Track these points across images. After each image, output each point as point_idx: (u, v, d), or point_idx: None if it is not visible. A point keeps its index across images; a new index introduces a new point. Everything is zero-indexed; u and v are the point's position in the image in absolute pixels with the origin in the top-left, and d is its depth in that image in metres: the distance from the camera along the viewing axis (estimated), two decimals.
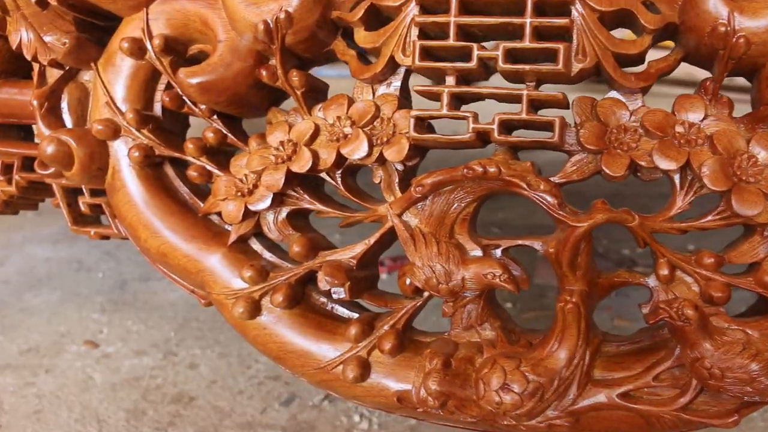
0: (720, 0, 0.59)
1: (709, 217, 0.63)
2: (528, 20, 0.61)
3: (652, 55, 0.65)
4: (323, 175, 0.72)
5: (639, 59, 0.64)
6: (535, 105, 0.64)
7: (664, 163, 0.62)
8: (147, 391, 1.15)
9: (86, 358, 1.26)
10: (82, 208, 0.84)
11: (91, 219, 0.86)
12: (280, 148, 0.70)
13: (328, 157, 0.69)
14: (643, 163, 0.63)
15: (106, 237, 0.84)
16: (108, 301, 1.50)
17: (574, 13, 0.62)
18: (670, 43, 0.66)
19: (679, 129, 0.62)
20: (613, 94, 0.65)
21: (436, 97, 0.65)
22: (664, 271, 0.64)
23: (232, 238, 0.74)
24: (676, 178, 0.64)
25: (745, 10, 0.59)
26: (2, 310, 1.45)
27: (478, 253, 0.67)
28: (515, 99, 0.63)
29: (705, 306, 0.63)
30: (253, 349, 1.26)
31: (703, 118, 0.62)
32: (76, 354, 1.28)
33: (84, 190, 0.83)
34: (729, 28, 0.58)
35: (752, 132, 0.62)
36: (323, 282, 0.70)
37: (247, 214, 0.72)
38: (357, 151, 0.67)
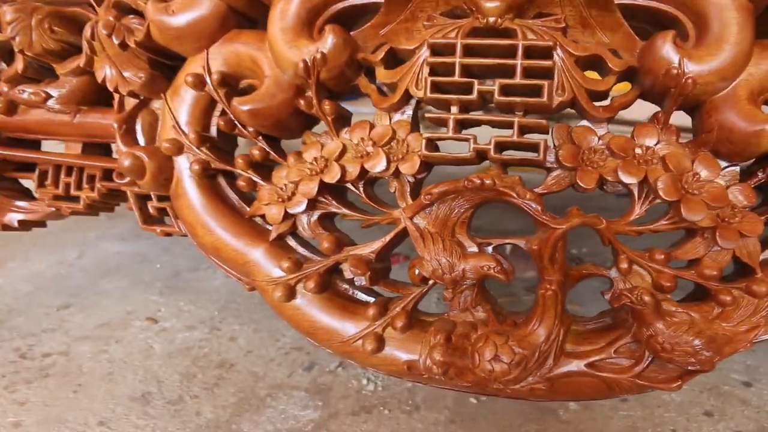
0: (672, 49, 0.57)
1: (661, 222, 0.62)
2: (519, 61, 0.59)
3: None
4: (348, 185, 0.69)
5: (605, 95, 0.63)
6: (523, 130, 0.62)
7: (627, 178, 0.60)
8: (196, 359, 1.12)
9: (148, 331, 1.23)
10: (151, 210, 0.81)
11: (158, 219, 0.83)
12: (314, 162, 0.67)
13: (353, 171, 0.66)
14: (609, 178, 0.61)
15: (169, 234, 0.81)
16: (165, 286, 1.46)
17: (555, 56, 0.60)
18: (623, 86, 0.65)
19: (638, 151, 0.60)
20: (584, 122, 0.63)
21: (442, 123, 0.63)
22: (624, 265, 0.62)
23: (273, 235, 0.71)
24: (635, 190, 0.62)
25: (693, 57, 0.57)
26: (82, 293, 1.42)
27: (475, 249, 0.64)
28: (508, 125, 0.61)
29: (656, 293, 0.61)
30: (282, 325, 1.24)
31: (656, 143, 0.61)
32: (139, 328, 1.24)
33: (152, 196, 0.80)
34: (680, 71, 0.57)
35: (695, 154, 0.60)
36: (348, 272, 0.67)
37: (286, 216, 0.69)
38: (377, 165, 0.65)
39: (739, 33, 0.56)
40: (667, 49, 0.57)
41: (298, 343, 1.17)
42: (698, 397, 1.00)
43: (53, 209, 0.88)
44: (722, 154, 0.60)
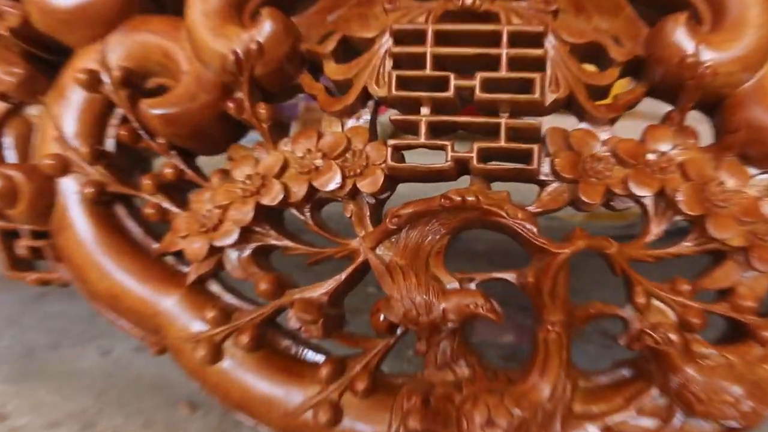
0: (685, 33, 0.58)
1: (684, 244, 0.61)
2: (504, 50, 0.59)
3: None
4: (293, 211, 0.65)
5: (606, 91, 0.63)
6: (510, 134, 0.60)
7: (640, 190, 0.60)
8: None
9: None
10: (20, 252, 0.74)
11: (29, 264, 0.76)
12: (248, 181, 0.64)
13: (298, 190, 0.63)
14: (617, 191, 0.60)
15: (45, 282, 0.74)
16: (14, 370, 1.32)
17: (547, 44, 0.59)
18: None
19: (650, 157, 0.60)
20: (583, 125, 0.62)
21: (411, 127, 0.61)
22: (641, 300, 0.61)
23: (191, 278, 0.67)
24: (650, 205, 0.61)
25: (710, 42, 0.58)
26: None
27: (455, 285, 0.62)
28: (493, 128, 0.60)
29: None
30: (181, 417, 1.15)
31: (672, 147, 0.60)
32: None
33: (24, 233, 0.73)
34: (696, 59, 0.57)
35: (719, 160, 0.60)
36: (294, 320, 0.63)
37: (211, 251, 0.65)
38: (330, 182, 0.62)
39: (763, 14, 0.57)
40: (679, 34, 0.58)
41: None
42: None
43: None
44: (751, 158, 0.61)
